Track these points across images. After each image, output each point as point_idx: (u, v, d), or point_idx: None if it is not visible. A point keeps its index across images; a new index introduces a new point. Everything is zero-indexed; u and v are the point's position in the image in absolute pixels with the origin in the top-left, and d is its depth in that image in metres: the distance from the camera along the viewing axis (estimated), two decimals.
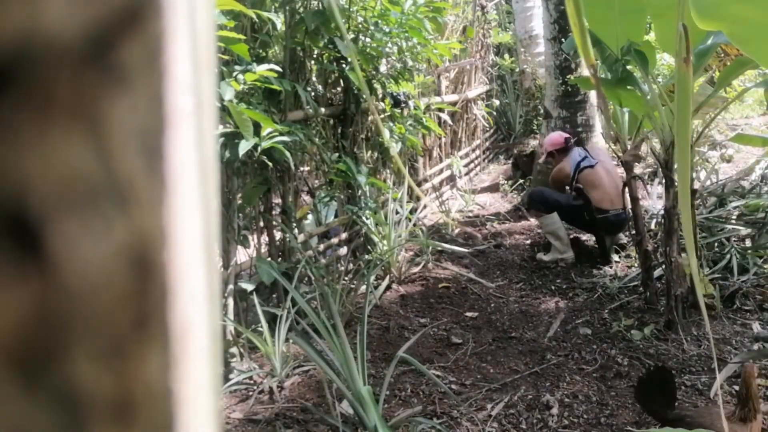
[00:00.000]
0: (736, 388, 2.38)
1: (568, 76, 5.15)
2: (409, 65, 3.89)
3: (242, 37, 2.19)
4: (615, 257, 3.97)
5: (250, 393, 2.44)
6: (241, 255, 2.84)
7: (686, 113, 0.74)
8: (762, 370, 2.50)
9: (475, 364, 2.72)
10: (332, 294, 2.89)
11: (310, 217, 3.58)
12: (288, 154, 2.56)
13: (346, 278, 3.51)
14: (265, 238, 3.03)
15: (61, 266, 0.16)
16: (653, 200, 4.64)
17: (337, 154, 3.51)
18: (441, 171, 5.69)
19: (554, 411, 2.31)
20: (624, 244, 4.09)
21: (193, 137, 0.19)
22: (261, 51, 2.93)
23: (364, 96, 3.64)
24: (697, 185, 4.43)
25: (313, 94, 3.28)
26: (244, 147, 2.32)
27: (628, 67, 2.97)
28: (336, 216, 3.73)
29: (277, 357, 2.51)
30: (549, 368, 2.65)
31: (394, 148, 3.96)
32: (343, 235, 3.73)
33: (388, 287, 3.56)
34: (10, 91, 0.15)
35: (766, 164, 5.31)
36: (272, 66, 2.44)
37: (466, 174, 6.42)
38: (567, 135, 4.32)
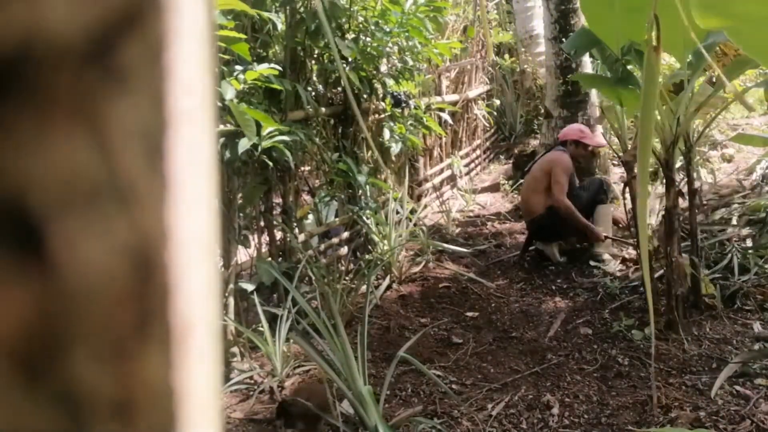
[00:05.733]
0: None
1: (568, 76, 5.15)
2: (409, 65, 3.89)
3: (243, 36, 2.19)
4: (611, 258, 3.96)
5: (251, 392, 2.44)
6: (242, 255, 2.84)
7: (651, 101, 0.73)
8: (762, 370, 2.50)
9: (476, 363, 2.72)
10: (333, 294, 2.89)
11: (310, 216, 3.58)
12: (288, 153, 2.56)
13: (347, 278, 3.51)
14: (265, 238, 3.03)
15: (62, 266, 0.16)
16: (653, 200, 4.64)
17: (337, 154, 3.51)
18: (441, 171, 5.70)
19: (555, 411, 2.31)
20: (579, 248, 4.09)
21: (194, 137, 0.19)
22: (261, 51, 2.93)
23: (365, 95, 3.64)
24: (697, 185, 4.42)
25: (313, 93, 3.28)
26: (243, 145, 2.32)
27: (629, 66, 2.97)
28: (336, 216, 3.73)
29: (277, 357, 2.52)
30: (549, 368, 2.65)
31: (394, 149, 3.96)
32: (344, 235, 3.73)
33: (389, 287, 3.56)
34: (12, 91, 0.15)
35: (767, 164, 5.31)
36: (273, 65, 2.44)
37: (467, 174, 6.42)
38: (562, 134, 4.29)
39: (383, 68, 3.72)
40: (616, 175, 5.51)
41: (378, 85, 3.78)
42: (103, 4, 0.16)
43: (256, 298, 2.65)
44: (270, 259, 2.93)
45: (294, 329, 2.59)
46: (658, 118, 2.85)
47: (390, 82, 3.84)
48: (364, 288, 3.26)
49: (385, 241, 3.79)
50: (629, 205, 3.32)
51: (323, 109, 3.34)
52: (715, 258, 3.51)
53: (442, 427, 2.17)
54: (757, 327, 2.87)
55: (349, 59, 3.30)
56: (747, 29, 1.59)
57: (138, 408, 0.17)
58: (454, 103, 5.67)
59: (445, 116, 5.19)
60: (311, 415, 2.13)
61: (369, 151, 3.90)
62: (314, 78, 3.39)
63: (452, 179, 5.99)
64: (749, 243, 3.67)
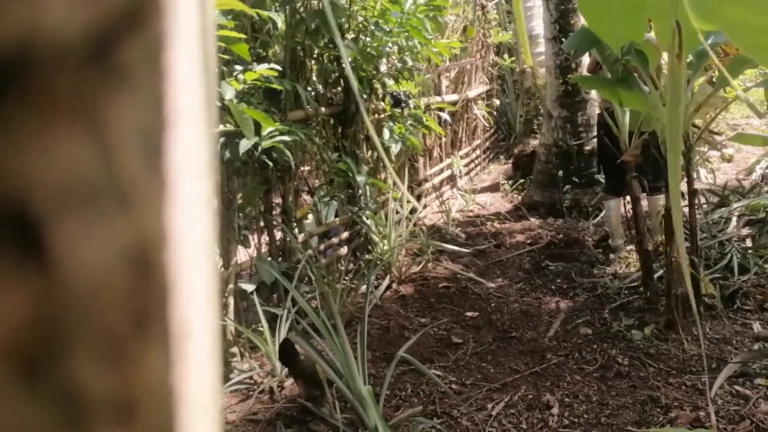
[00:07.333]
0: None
1: (568, 76, 5.14)
2: (409, 65, 3.89)
3: (242, 36, 2.19)
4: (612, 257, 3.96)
5: (251, 392, 2.44)
6: (242, 255, 2.84)
7: (677, 107, 0.74)
8: (762, 369, 2.50)
9: (476, 363, 2.72)
10: (332, 294, 2.89)
11: (310, 216, 3.58)
12: (288, 153, 2.56)
13: (347, 278, 3.51)
14: (265, 238, 3.03)
15: (62, 266, 0.16)
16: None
17: (337, 154, 3.51)
18: (441, 171, 5.70)
19: (554, 411, 2.31)
20: None
21: (193, 137, 0.19)
22: (261, 51, 2.93)
23: (364, 95, 3.64)
24: (697, 185, 4.43)
25: (313, 93, 3.28)
26: (244, 146, 2.32)
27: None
28: (336, 216, 3.73)
29: (277, 357, 2.52)
30: (549, 368, 2.65)
31: (393, 149, 3.96)
32: (344, 235, 3.73)
33: (389, 287, 3.56)
34: (12, 91, 0.15)
35: (767, 164, 5.31)
36: (272, 65, 2.44)
37: (467, 174, 6.42)
38: None
39: (383, 68, 3.72)
40: None
41: (378, 85, 3.78)
42: (102, 4, 0.16)
43: (255, 298, 2.65)
44: (270, 258, 2.93)
45: (294, 329, 2.59)
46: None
47: (390, 82, 3.84)
48: (363, 288, 3.26)
49: (385, 241, 3.79)
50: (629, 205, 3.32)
51: (323, 109, 3.34)
52: (715, 258, 3.51)
53: (441, 427, 2.16)
54: (756, 327, 2.87)
55: (349, 59, 3.30)
56: (744, 30, 1.59)
57: (137, 408, 0.17)
58: (454, 103, 5.67)
59: (445, 116, 5.19)
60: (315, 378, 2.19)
61: (369, 151, 3.90)
62: (314, 78, 3.39)
63: (452, 179, 5.98)
64: (749, 243, 3.67)
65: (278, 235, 3.11)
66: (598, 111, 5.31)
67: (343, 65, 3.32)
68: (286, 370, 2.50)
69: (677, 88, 0.74)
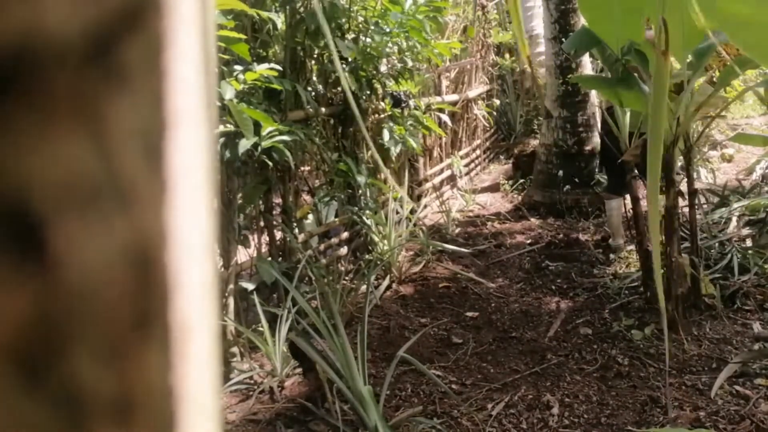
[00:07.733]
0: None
1: (568, 76, 5.14)
2: (409, 65, 3.89)
3: (243, 36, 2.19)
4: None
5: (251, 392, 2.44)
6: (242, 255, 2.84)
7: (661, 104, 0.74)
8: (762, 370, 2.50)
9: (476, 363, 2.72)
10: (333, 294, 2.89)
11: (310, 216, 3.58)
12: (288, 153, 2.56)
13: (347, 278, 3.51)
14: (265, 238, 3.03)
15: (62, 266, 0.16)
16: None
17: (337, 154, 3.51)
18: (441, 171, 5.70)
19: (555, 411, 2.31)
20: None
21: (193, 137, 0.19)
22: (261, 51, 2.93)
23: (364, 96, 3.64)
24: (697, 185, 4.43)
25: (313, 93, 3.28)
26: (244, 145, 2.32)
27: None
28: (336, 216, 3.73)
29: (277, 356, 2.52)
30: (549, 368, 2.64)
31: (393, 150, 3.96)
32: (344, 235, 3.73)
33: (389, 287, 3.56)
34: (12, 91, 0.15)
35: (767, 164, 5.31)
36: (272, 65, 2.44)
37: (467, 174, 6.42)
38: None
39: (383, 68, 3.72)
40: None
41: (378, 86, 3.78)
42: (102, 4, 0.16)
43: (255, 297, 2.65)
44: (270, 259, 2.93)
45: (294, 329, 2.59)
46: None
47: (390, 82, 3.84)
48: (363, 288, 3.26)
49: (385, 241, 3.79)
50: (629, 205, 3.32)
51: (323, 109, 3.34)
52: (715, 258, 3.51)
53: (442, 427, 2.16)
54: (756, 327, 2.87)
55: (349, 59, 3.30)
56: (741, 30, 1.59)
57: (137, 408, 0.17)
58: (454, 103, 5.67)
59: (445, 117, 5.19)
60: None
61: (369, 151, 3.90)
62: (314, 78, 3.39)
63: (452, 179, 5.98)
64: (749, 243, 3.67)
65: (278, 235, 3.11)
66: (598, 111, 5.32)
67: (343, 66, 3.32)
68: (296, 365, 2.51)
69: (661, 85, 0.74)
